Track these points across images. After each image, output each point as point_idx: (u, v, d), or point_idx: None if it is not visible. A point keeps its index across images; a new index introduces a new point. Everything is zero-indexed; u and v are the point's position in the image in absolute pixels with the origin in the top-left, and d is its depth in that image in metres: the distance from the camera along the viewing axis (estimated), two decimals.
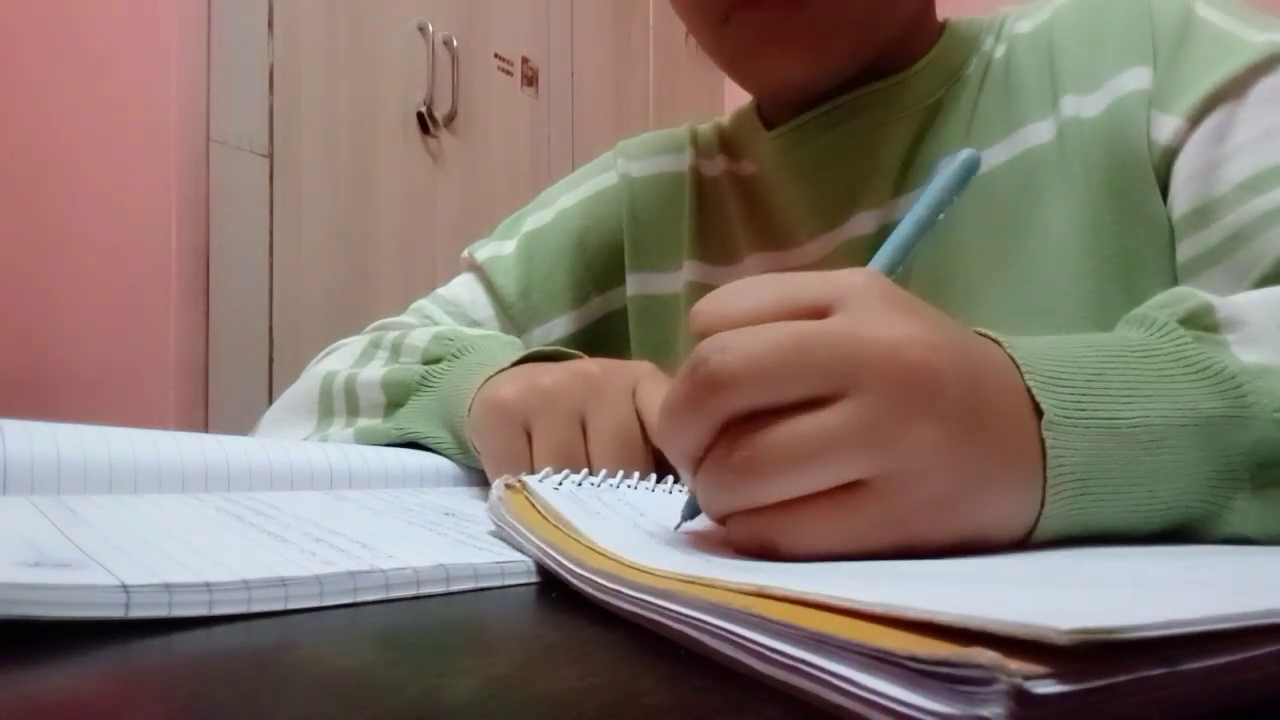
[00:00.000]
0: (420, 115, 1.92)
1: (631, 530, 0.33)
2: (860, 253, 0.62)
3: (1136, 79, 0.55)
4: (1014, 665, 0.15)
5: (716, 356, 0.29)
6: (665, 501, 0.39)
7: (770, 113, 0.68)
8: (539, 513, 0.34)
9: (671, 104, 2.78)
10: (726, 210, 0.70)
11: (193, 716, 0.19)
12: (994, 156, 0.59)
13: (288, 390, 0.68)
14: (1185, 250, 0.53)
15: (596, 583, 0.27)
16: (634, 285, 0.72)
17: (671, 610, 0.23)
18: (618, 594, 0.26)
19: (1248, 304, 0.34)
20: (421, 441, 0.56)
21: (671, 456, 0.32)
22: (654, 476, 0.43)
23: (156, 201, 1.50)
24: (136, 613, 0.24)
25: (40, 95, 1.60)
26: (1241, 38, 0.53)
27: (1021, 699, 0.15)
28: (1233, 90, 0.52)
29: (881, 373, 0.29)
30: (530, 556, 0.32)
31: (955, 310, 0.35)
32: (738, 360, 0.29)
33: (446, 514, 0.42)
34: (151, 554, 0.28)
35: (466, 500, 0.47)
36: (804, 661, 0.19)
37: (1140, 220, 0.55)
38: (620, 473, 0.42)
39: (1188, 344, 0.33)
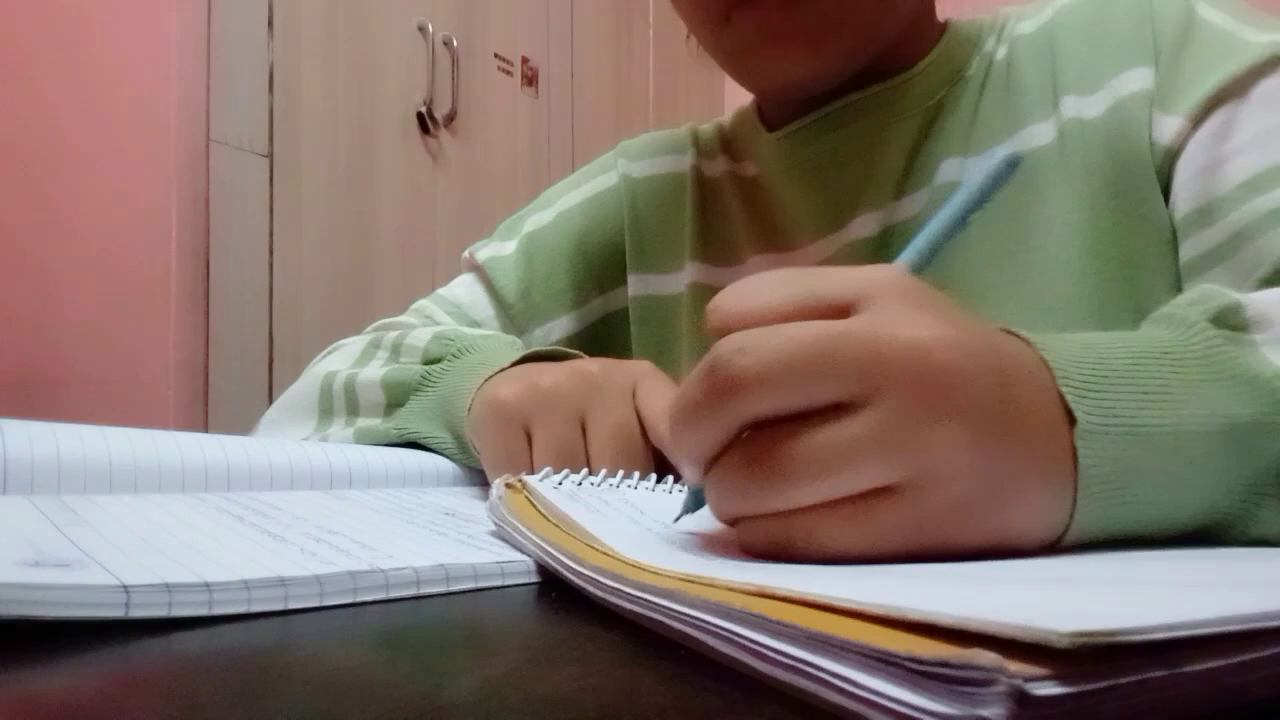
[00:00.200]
0: (420, 115, 1.92)
1: (632, 528, 0.33)
2: (863, 255, 0.62)
3: (1138, 80, 0.55)
4: (1014, 667, 0.15)
5: (736, 359, 0.28)
6: (665, 501, 0.39)
7: (771, 113, 0.68)
8: (539, 512, 0.34)
9: (671, 104, 2.78)
10: (728, 211, 0.70)
11: (193, 716, 0.19)
12: (995, 158, 0.59)
13: (287, 390, 0.68)
14: (1188, 250, 0.53)
15: (597, 580, 0.27)
16: (635, 286, 0.72)
17: (672, 610, 0.23)
18: (618, 593, 0.26)
19: (1273, 302, 0.34)
20: (421, 441, 0.56)
21: (681, 456, 0.31)
22: (654, 476, 0.43)
23: (156, 201, 1.49)
24: (136, 613, 0.24)
25: (40, 95, 1.60)
26: (1243, 38, 0.53)
27: (1022, 700, 0.15)
28: (1235, 91, 0.52)
29: (908, 377, 0.28)
30: (530, 556, 0.32)
31: None
32: (757, 363, 0.28)
33: (446, 514, 0.42)
34: (151, 554, 0.28)
35: (466, 500, 0.47)
36: (804, 661, 0.19)
37: (1142, 221, 0.55)
38: (620, 472, 0.42)
39: (1218, 346, 0.32)
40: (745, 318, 0.30)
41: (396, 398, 0.59)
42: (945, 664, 0.16)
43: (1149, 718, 0.17)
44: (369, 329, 0.72)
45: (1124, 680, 0.16)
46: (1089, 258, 0.55)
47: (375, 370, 0.61)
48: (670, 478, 0.43)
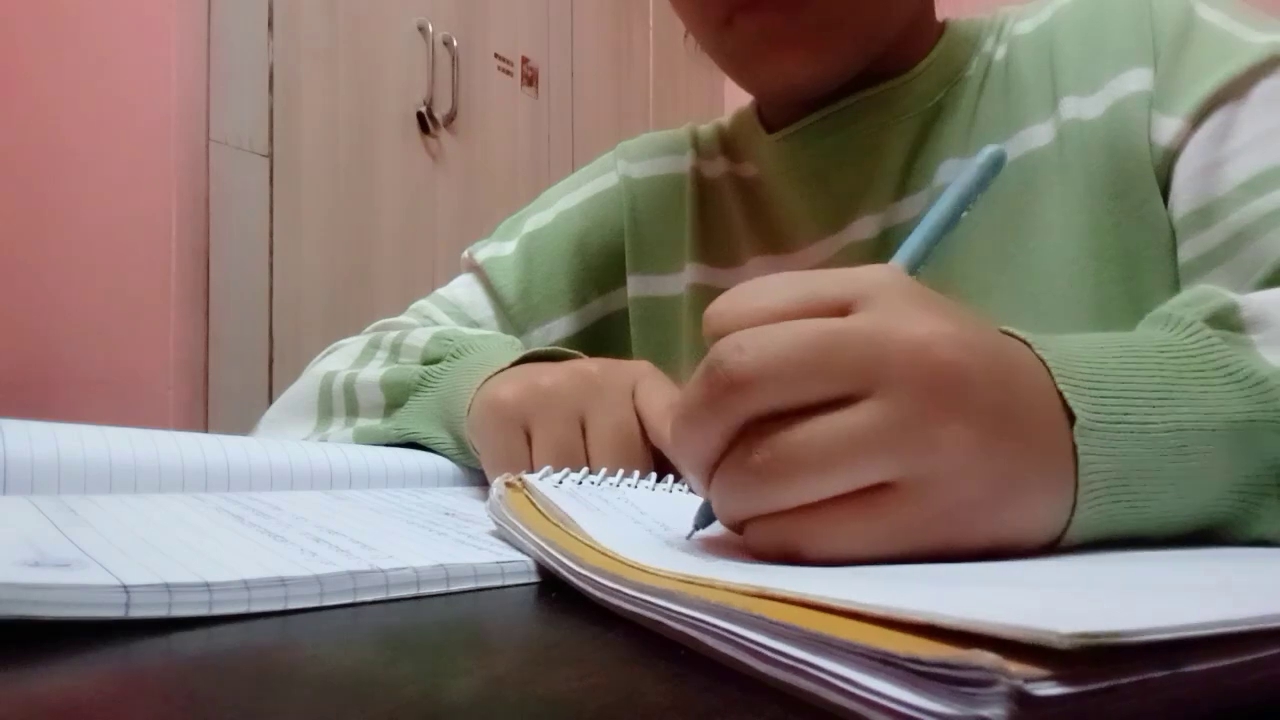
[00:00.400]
0: (420, 115, 1.92)
1: (632, 527, 0.33)
2: (863, 256, 0.62)
3: (1137, 80, 0.55)
4: (1015, 667, 0.15)
5: (734, 357, 0.28)
6: (665, 501, 0.39)
7: (771, 114, 0.68)
8: (539, 511, 0.34)
9: (671, 104, 2.78)
10: (728, 212, 0.70)
11: (193, 716, 0.19)
12: None
13: (287, 390, 0.68)
14: (1187, 251, 0.53)
15: (596, 581, 0.27)
16: (635, 287, 0.72)
17: (672, 610, 0.23)
18: (618, 593, 0.26)
19: (1270, 303, 0.34)
20: (421, 442, 0.56)
21: (685, 463, 0.31)
22: (654, 476, 0.43)
23: (156, 201, 1.49)
24: (136, 613, 0.24)
25: (40, 95, 1.60)
26: (1242, 39, 0.53)
27: (1022, 701, 0.15)
28: (1234, 91, 0.52)
29: (909, 371, 0.27)
30: (530, 555, 0.32)
31: None
32: (756, 359, 0.28)
33: (446, 514, 0.42)
34: (151, 554, 0.28)
35: (466, 500, 0.47)
36: (804, 662, 0.19)
37: (1141, 222, 0.55)
38: (620, 472, 0.42)
39: (1215, 345, 0.32)
40: (743, 320, 0.29)
41: (396, 398, 0.59)
42: (946, 665, 0.16)
43: (1150, 717, 0.17)
44: (368, 329, 0.72)
45: (1125, 681, 0.16)
46: (1088, 259, 0.55)
47: (375, 370, 0.61)
48: (670, 477, 0.43)
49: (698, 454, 0.30)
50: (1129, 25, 0.56)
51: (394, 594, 0.28)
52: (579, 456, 0.45)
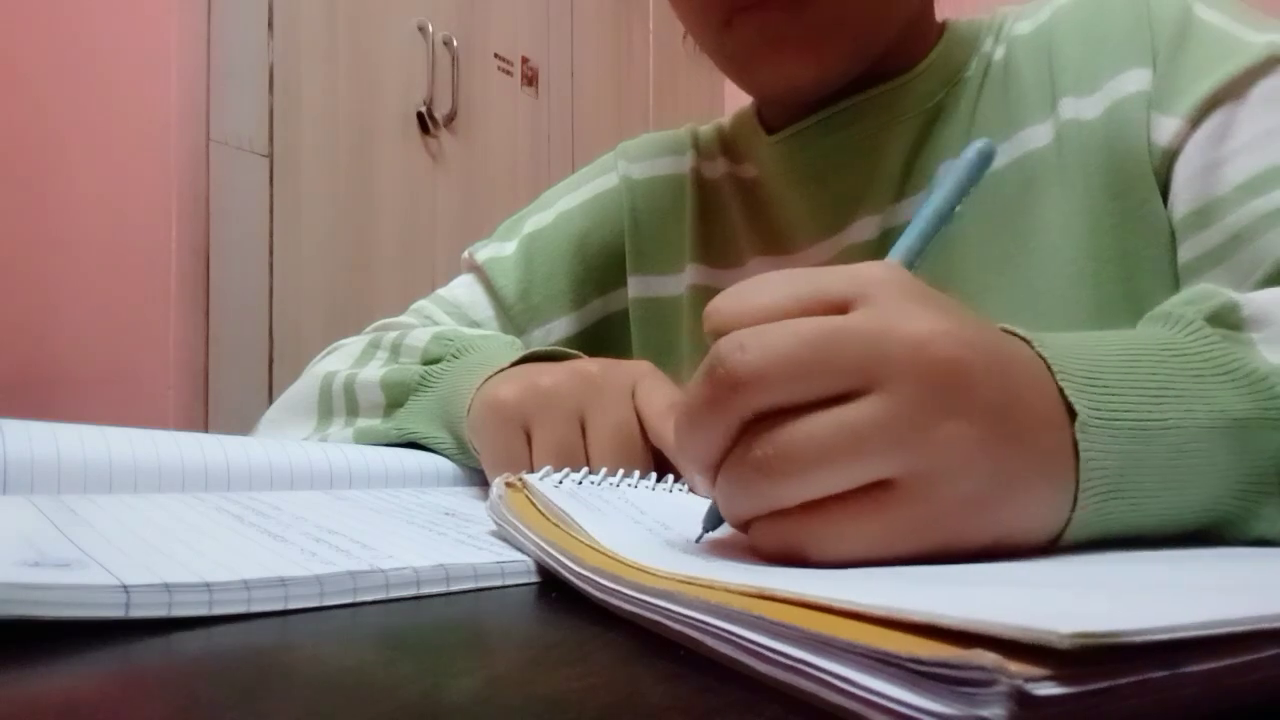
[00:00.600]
0: (420, 115, 1.92)
1: (632, 527, 0.33)
2: (863, 257, 0.61)
3: (1136, 81, 0.55)
4: (1015, 667, 0.15)
5: (735, 355, 0.28)
6: (665, 501, 0.39)
7: (770, 115, 0.68)
8: (539, 510, 0.34)
9: (671, 104, 2.78)
10: (728, 213, 0.70)
11: (193, 716, 0.19)
12: (995, 159, 0.59)
13: (287, 390, 0.68)
14: (1186, 251, 0.53)
15: (596, 581, 0.27)
16: (635, 288, 0.72)
17: (672, 611, 0.23)
18: (618, 593, 0.26)
19: (1271, 302, 0.34)
20: (421, 441, 0.56)
21: (689, 463, 0.31)
22: (654, 475, 0.43)
23: (156, 201, 1.49)
24: (136, 613, 0.24)
25: (40, 95, 1.60)
26: (1241, 39, 0.53)
27: (1022, 700, 0.15)
28: (1233, 91, 0.52)
29: (910, 368, 0.27)
30: (530, 555, 0.32)
31: None
32: (758, 357, 0.28)
33: (446, 514, 0.42)
34: (151, 554, 0.28)
35: (466, 500, 0.47)
36: (804, 662, 0.19)
37: (1140, 222, 0.55)
38: (620, 472, 0.42)
39: (1215, 343, 0.32)
40: (743, 318, 0.29)
41: (396, 398, 0.59)
42: (946, 664, 0.16)
43: (1149, 717, 0.17)
44: (369, 329, 0.72)
45: (1124, 681, 0.16)
46: (1087, 259, 0.55)
47: (375, 370, 0.61)
48: (670, 477, 0.43)
49: (702, 453, 0.30)
50: (1128, 26, 0.56)
51: (394, 594, 0.28)
52: (579, 456, 0.45)
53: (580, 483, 0.39)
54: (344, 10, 1.77)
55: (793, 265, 0.66)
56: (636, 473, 0.43)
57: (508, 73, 2.19)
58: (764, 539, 0.29)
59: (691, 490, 0.43)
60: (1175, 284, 0.53)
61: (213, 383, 1.52)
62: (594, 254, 0.73)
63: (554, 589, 0.30)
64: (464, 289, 0.75)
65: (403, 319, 0.73)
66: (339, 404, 0.62)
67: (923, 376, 0.28)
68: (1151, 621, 0.16)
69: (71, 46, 1.58)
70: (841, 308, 0.29)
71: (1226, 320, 0.33)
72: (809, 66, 0.57)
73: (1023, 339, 0.31)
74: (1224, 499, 0.31)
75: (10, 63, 1.62)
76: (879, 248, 0.62)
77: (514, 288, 0.72)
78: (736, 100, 0.71)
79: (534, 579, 0.31)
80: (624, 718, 0.19)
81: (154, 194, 1.50)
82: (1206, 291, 0.34)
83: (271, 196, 1.62)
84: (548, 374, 0.48)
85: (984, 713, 0.16)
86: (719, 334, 0.30)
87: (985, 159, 0.37)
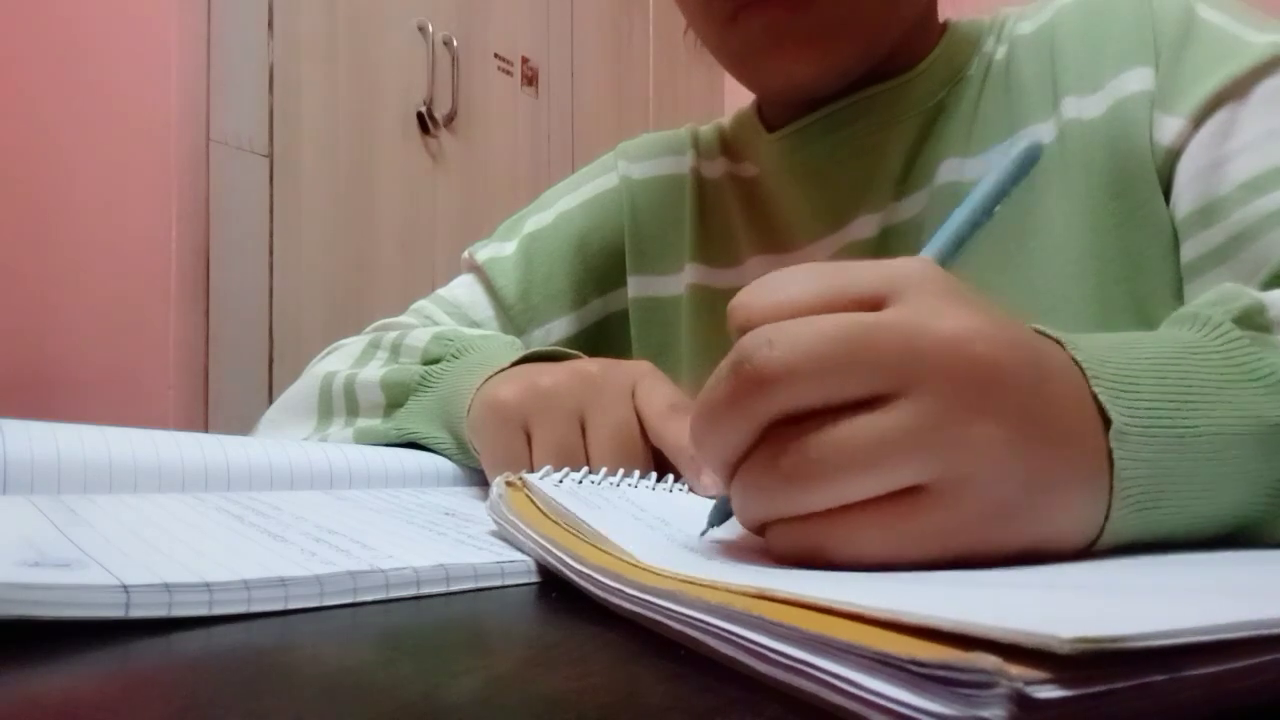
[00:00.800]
0: (420, 115, 1.92)
1: (633, 524, 0.33)
2: (862, 255, 0.62)
3: (1138, 80, 0.55)
4: (1015, 670, 0.15)
5: (762, 351, 0.27)
6: (665, 500, 0.39)
7: (771, 114, 0.68)
8: (539, 509, 0.34)
9: (671, 104, 2.78)
10: (728, 212, 0.70)
11: (193, 716, 0.19)
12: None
13: (287, 390, 0.68)
14: (1189, 251, 0.53)
15: (596, 580, 0.27)
16: (635, 288, 0.72)
17: (672, 610, 0.23)
18: (618, 593, 0.26)
19: None
20: (421, 441, 0.56)
21: (706, 460, 0.30)
22: (654, 475, 0.43)
23: (156, 201, 1.49)
24: (136, 613, 0.24)
25: (40, 95, 1.60)
26: (1244, 39, 0.53)
27: (1022, 703, 0.15)
28: (1236, 91, 0.52)
29: (944, 369, 0.27)
30: (530, 554, 0.32)
31: None
32: (786, 354, 0.26)
33: (446, 514, 0.42)
34: (151, 554, 0.28)
35: (466, 500, 0.47)
36: (805, 662, 0.19)
37: (1143, 221, 0.54)
38: (620, 471, 0.42)
39: (1245, 346, 0.32)
40: (770, 313, 0.28)
41: (396, 398, 0.59)
42: (946, 666, 0.16)
43: None
44: (369, 329, 0.72)
45: (1125, 684, 0.16)
46: (1089, 258, 0.55)
47: (375, 370, 0.61)
48: (670, 476, 0.43)
49: (720, 453, 0.29)
50: (1130, 25, 0.56)
51: (394, 594, 0.28)
52: (579, 456, 0.45)
53: (580, 482, 0.39)
54: (344, 10, 1.77)
55: (791, 263, 0.65)
56: (636, 472, 0.43)
57: (508, 73, 2.19)
58: (782, 542, 0.28)
59: (692, 490, 0.43)
60: (1177, 283, 0.53)
61: (213, 383, 1.52)
62: (594, 254, 0.73)
63: (554, 589, 0.30)
64: (464, 289, 0.75)
65: (403, 319, 0.73)
66: (339, 404, 0.62)
67: (957, 378, 0.27)
68: (1152, 625, 0.16)
69: (71, 46, 1.58)
70: (873, 304, 0.28)
71: (1254, 322, 0.33)
72: (812, 64, 0.57)
73: (1054, 340, 0.30)
74: (1256, 503, 0.31)
75: (10, 63, 1.62)
76: (878, 246, 0.62)
77: (514, 288, 0.72)
78: (737, 100, 0.71)
79: (534, 579, 0.31)
80: (624, 718, 0.19)
81: (154, 194, 1.50)
82: (1232, 292, 0.34)
83: (271, 196, 1.62)
84: (548, 374, 0.48)
85: (984, 713, 0.16)
86: (744, 330, 0.28)
87: (1031, 159, 0.35)
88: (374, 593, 0.28)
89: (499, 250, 0.74)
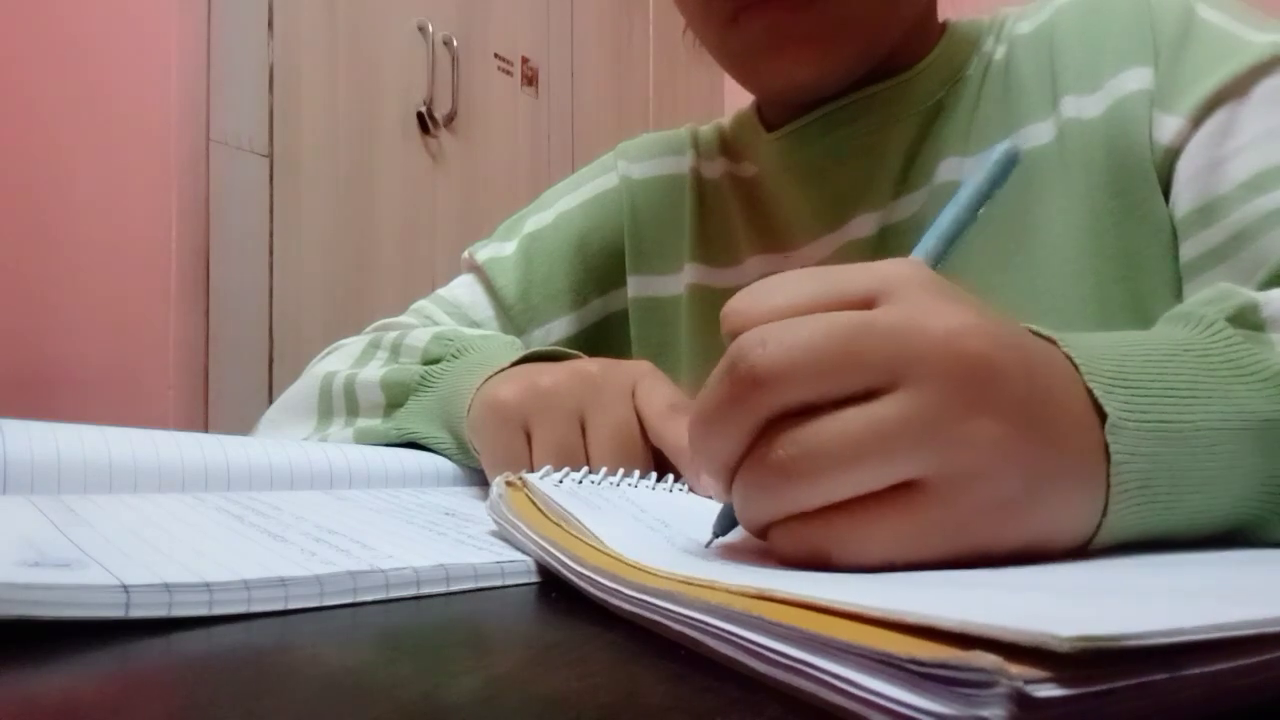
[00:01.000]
0: (420, 115, 1.92)
1: (633, 525, 0.33)
2: (861, 255, 0.62)
3: (1137, 79, 0.55)
4: (1015, 669, 0.15)
5: (756, 351, 0.27)
6: (665, 500, 0.39)
7: (771, 114, 0.68)
8: (539, 509, 0.34)
9: (671, 104, 2.78)
10: (727, 212, 0.70)
11: (193, 716, 0.19)
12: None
13: (287, 390, 0.68)
14: (1189, 250, 0.53)
15: (596, 581, 0.27)
16: (635, 287, 0.72)
17: (672, 611, 0.23)
18: (618, 594, 0.26)
19: None
20: (421, 441, 0.56)
21: (705, 466, 0.30)
22: (654, 475, 0.43)
23: (156, 201, 1.49)
24: (136, 613, 0.24)
25: (40, 95, 1.60)
26: (1243, 38, 0.53)
27: (1022, 702, 0.15)
28: (1235, 90, 0.52)
29: (938, 364, 0.27)
30: (529, 554, 0.32)
31: None
32: (780, 353, 0.27)
33: (446, 514, 0.42)
34: (151, 554, 0.28)
35: (466, 500, 0.47)
36: (804, 662, 0.19)
37: (1142, 220, 0.55)
38: (620, 471, 0.42)
39: (1238, 344, 0.32)
40: (762, 317, 0.28)
41: (396, 398, 0.59)
42: (946, 665, 0.16)
43: (1150, 719, 0.17)
44: (369, 329, 0.72)
45: (1125, 683, 0.16)
46: (1089, 258, 0.55)
47: (375, 370, 0.61)
48: (670, 476, 0.43)
49: (719, 455, 0.29)
50: (1129, 24, 0.56)
51: (394, 594, 0.28)
52: (579, 456, 0.45)
53: (580, 482, 0.39)
54: (344, 10, 1.77)
55: (791, 263, 0.66)
56: (636, 472, 0.43)
57: (508, 73, 2.19)
58: (784, 543, 0.28)
59: (692, 490, 0.43)
60: (1177, 282, 0.53)
61: (213, 383, 1.52)
62: (594, 254, 0.73)
63: (554, 589, 0.30)
64: (464, 289, 0.75)
65: (403, 319, 0.73)
66: (339, 404, 0.62)
67: (951, 373, 0.27)
68: (1152, 625, 0.16)
69: (71, 46, 1.58)
70: (864, 304, 0.29)
71: (1248, 320, 0.33)
72: (813, 65, 0.57)
73: (1047, 338, 0.30)
74: (1251, 501, 0.31)
75: (10, 63, 1.62)
76: (877, 245, 0.62)
77: (514, 288, 0.72)
78: (736, 100, 0.71)
79: (534, 579, 0.31)
80: (624, 718, 0.19)
81: (154, 194, 1.50)
82: (1226, 291, 0.34)
83: (271, 196, 1.62)
84: (548, 374, 0.48)
85: (984, 713, 0.16)
86: (737, 334, 0.28)
87: (1010, 161, 0.36)
88: (374, 593, 0.28)
89: (499, 250, 0.74)
